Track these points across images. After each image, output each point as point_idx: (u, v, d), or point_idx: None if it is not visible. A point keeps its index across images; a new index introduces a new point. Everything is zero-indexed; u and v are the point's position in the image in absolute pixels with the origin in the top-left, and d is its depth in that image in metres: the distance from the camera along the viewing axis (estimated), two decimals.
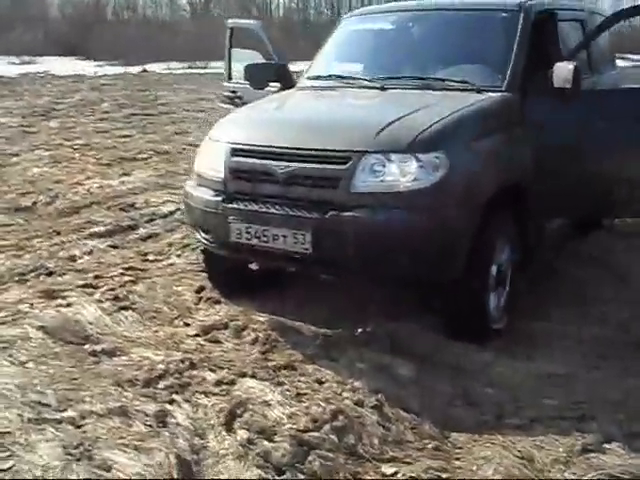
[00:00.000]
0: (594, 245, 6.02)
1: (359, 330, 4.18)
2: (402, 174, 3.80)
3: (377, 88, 4.80)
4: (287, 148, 4.05)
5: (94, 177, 8.61)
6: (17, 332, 4.14)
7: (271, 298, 4.73)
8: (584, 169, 4.88)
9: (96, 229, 6.39)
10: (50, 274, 5.24)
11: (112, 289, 4.89)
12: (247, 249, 4.17)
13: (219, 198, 4.21)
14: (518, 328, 4.36)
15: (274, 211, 3.98)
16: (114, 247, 5.95)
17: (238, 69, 6.08)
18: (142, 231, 6.45)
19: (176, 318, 4.50)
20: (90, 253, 5.75)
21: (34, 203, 7.35)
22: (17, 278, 5.14)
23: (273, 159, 4.05)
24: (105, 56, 33.11)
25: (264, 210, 4.02)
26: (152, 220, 6.78)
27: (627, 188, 5.03)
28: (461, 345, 4.04)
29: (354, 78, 5.12)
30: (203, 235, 4.48)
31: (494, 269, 4.20)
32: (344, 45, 5.69)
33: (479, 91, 4.56)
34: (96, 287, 4.94)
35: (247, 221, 4.06)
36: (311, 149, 3.98)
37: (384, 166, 3.83)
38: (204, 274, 5.08)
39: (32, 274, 5.22)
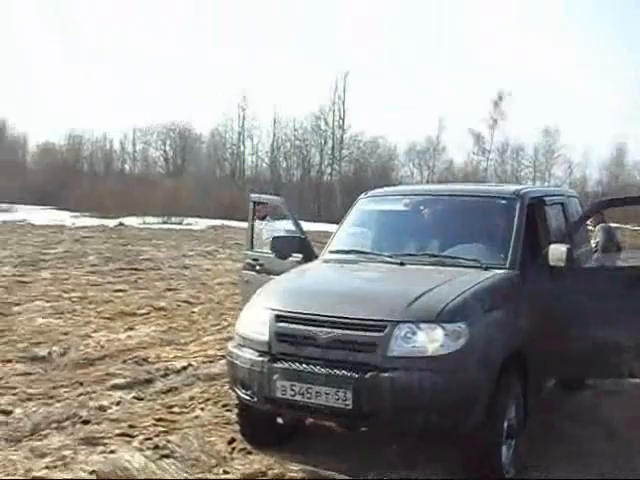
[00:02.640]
0: (583, 403, 6.60)
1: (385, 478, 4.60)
2: (430, 341, 4.41)
3: (397, 263, 5.46)
4: (329, 316, 4.61)
5: (100, 330, 9.10)
6: (70, 476, 4.52)
7: (297, 449, 5.16)
8: (576, 336, 5.50)
9: (117, 381, 6.80)
10: (85, 422, 5.63)
11: (149, 438, 5.28)
12: (290, 404, 4.63)
13: (264, 358, 4.71)
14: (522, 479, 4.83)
15: (317, 371, 4.50)
16: (139, 399, 6.35)
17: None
18: (160, 385, 6.85)
19: (215, 467, 4.90)
20: (118, 404, 6.15)
21: (49, 353, 7.74)
22: (55, 425, 5.53)
23: (316, 325, 4.61)
24: (80, 207, 34.06)
25: (308, 370, 4.53)
26: (166, 375, 7.17)
27: (616, 352, 5.61)
28: None
29: (375, 254, 5.79)
30: (244, 391, 4.92)
31: (505, 423, 4.72)
32: (362, 223, 6.40)
33: (486, 268, 5.23)
34: (132, 436, 5.34)
35: (292, 379, 4.55)
36: (351, 318, 4.56)
37: (414, 334, 4.43)
38: (232, 427, 5.51)
39: (68, 422, 5.62)
